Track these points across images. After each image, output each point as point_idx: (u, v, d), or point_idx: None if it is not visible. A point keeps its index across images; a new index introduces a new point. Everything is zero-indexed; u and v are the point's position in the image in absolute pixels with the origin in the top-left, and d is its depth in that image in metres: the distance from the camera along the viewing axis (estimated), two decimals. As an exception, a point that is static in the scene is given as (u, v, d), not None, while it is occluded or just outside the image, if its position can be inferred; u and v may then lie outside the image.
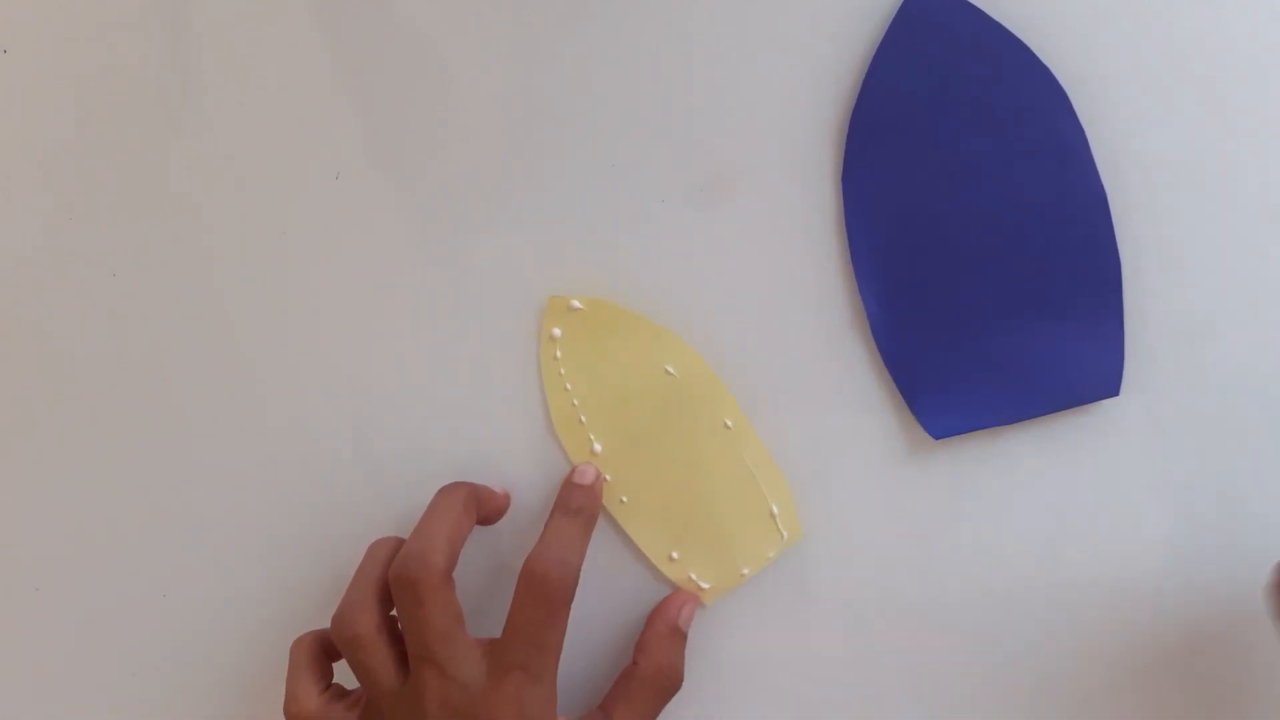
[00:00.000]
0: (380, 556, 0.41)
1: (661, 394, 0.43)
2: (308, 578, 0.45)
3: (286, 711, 0.40)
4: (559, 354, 0.43)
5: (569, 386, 0.43)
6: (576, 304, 0.42)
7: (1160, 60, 0.41)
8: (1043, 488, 0.43)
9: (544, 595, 0.39)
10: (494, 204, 0.43)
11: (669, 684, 0.42)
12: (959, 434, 0.43)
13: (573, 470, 0.43)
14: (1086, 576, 0.43)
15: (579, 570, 0.40)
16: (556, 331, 0.43)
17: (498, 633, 0.39)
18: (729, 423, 0.43)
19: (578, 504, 0.42)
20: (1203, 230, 0.42)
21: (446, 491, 0.41)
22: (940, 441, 0.43)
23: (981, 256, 0.42)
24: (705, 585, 0.43)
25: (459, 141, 0.43)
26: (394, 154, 0.43)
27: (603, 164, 0.43)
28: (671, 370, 0.43)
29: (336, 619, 0.39)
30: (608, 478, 0.43)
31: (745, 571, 0.43)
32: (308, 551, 0.45)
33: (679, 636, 0.43)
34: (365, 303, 0.44)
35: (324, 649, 0.42)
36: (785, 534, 0.43)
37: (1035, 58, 0.41)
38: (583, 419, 0.43)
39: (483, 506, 0.42)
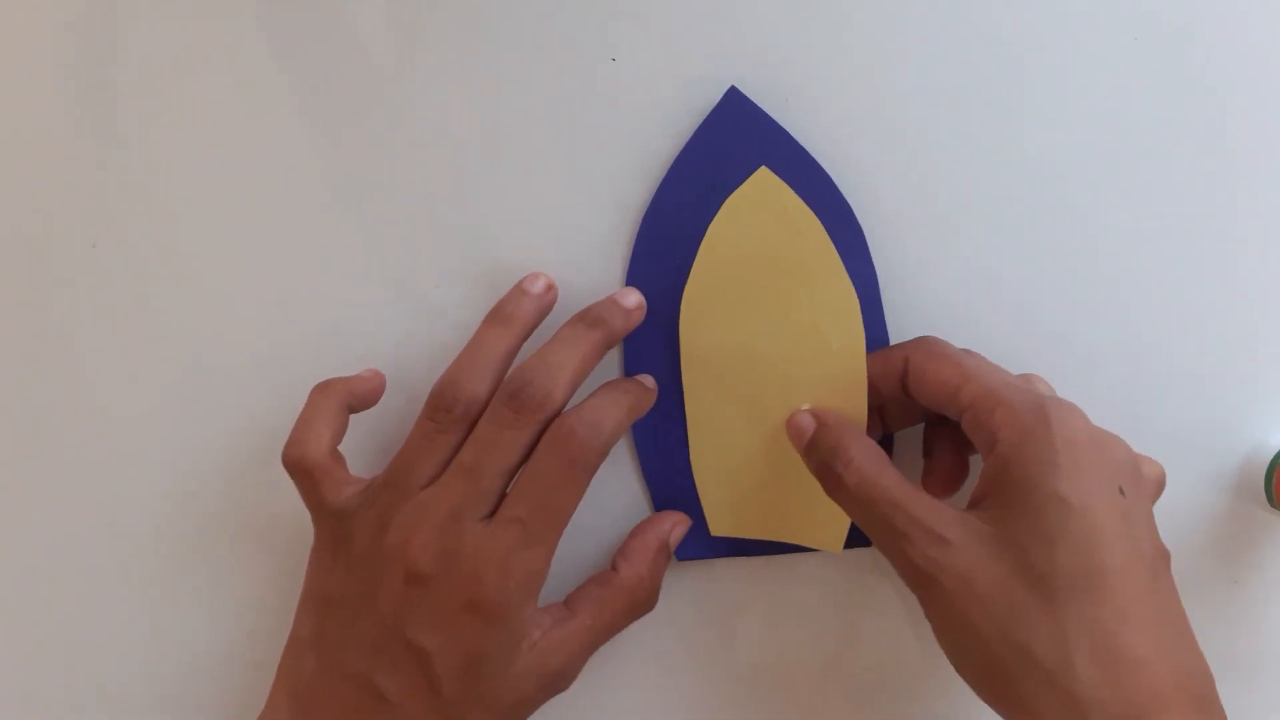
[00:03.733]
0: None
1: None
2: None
3: (287, 455, 0.38)
4: None
5: None
6: None
7: (950, 197, 0.41)
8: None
9: (564, 453, 0.36)
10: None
11: (645, 599, 0.39)
12: (699, 558, 0.42)
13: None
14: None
15: (611, 437, 0.37)
16: None
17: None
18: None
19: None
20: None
21: (575, 323, 0.39)
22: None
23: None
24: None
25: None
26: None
27: (388, 249, 0.42)
28: None
29: (447, 384, 0.38)
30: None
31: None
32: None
33: (665, 553, 0.40)
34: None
35: (349, 403, 0.39)
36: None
37: (835, 188, 0.40)
38: None
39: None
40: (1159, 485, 0.37)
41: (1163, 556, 0.34)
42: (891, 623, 0.42)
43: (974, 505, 0.35)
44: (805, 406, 0.39)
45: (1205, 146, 0.41)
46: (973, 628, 0.33)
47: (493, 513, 0.36)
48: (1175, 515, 0.41)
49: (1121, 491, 0.33)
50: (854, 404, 0.39)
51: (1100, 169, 0.41)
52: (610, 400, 0.38)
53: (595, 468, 0.36)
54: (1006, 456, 0.33)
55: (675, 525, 0.40)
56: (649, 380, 0.40)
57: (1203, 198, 0.41)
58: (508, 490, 0.37)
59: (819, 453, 0.37)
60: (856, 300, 0.39)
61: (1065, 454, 0.33)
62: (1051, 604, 0.32)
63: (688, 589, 0.42)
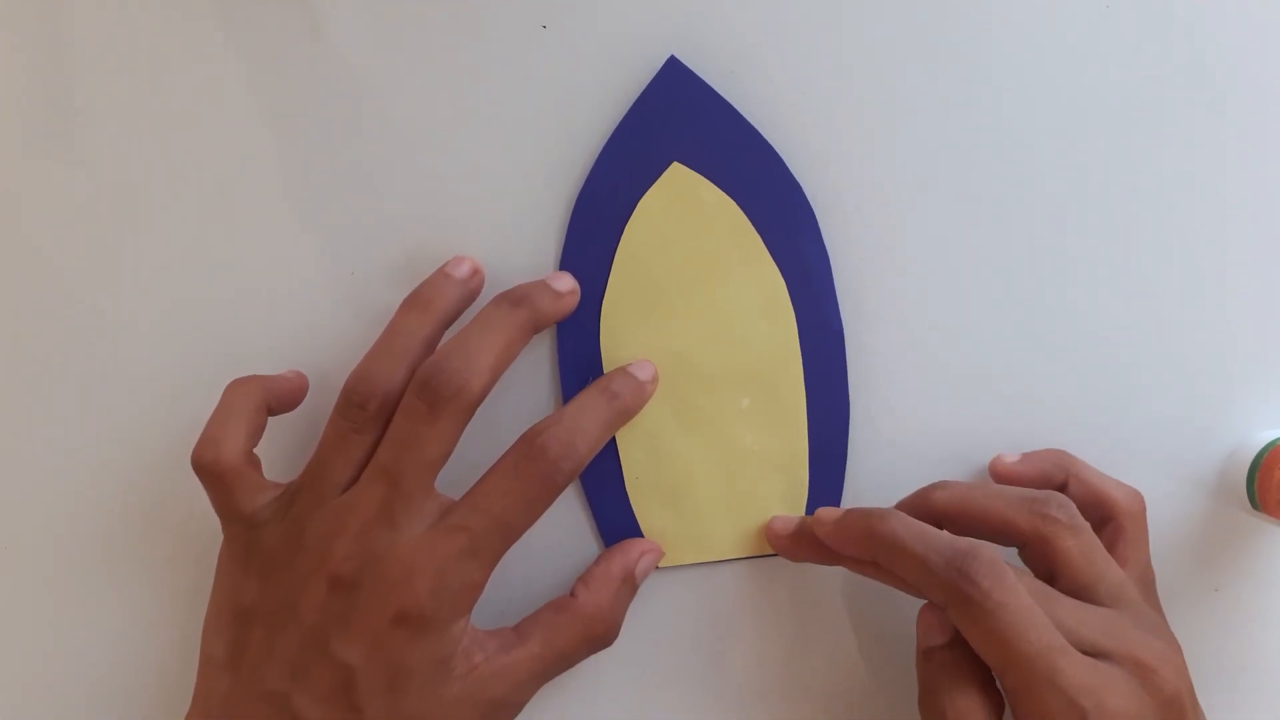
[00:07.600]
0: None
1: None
2: None
3: (198, 456, 0.35)
4: None
5: None
6: None
7: (909, 176, 0.39)
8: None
9: (530, 471, 0.34)
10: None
11: (604, 631, 0.36)
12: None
13: (633, 362, 0.38)
14: None
15: (583, 462, 0.34)
16: None
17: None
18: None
19: (618, 389, 0.36)
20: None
21: (499, 302, 0.36)
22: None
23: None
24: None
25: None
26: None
27: (299, 236, 0.39)
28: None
29: (359, 378, 0.35)
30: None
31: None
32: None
33: (630, 585, 0.37)
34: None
35: (268, 402, 0.36)
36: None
37: (783, 165, 0.38)
38: None
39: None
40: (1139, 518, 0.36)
41: None
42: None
43: None
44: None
45: (1187, 137, 0.39)
46: None
47: (419, 513, 0.34)
48: (1154, 520, 0.38)
49: None
50: (791, 396, 0.38)
51: (1075, 152, 0.39)
52: (590, 411, 0.35)
53: (561, 489, 0.34)
54: None
55: (644, 555, 0.38)
56: (644, 370, 0.37)
57: (1184, 188, 0.39)
58: (439, 493, 0.34)
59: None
60: (783, 282, 0.38)
61: None
62: None
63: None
